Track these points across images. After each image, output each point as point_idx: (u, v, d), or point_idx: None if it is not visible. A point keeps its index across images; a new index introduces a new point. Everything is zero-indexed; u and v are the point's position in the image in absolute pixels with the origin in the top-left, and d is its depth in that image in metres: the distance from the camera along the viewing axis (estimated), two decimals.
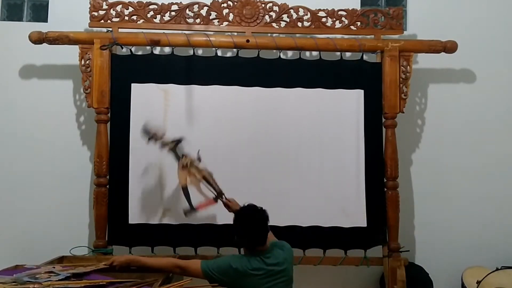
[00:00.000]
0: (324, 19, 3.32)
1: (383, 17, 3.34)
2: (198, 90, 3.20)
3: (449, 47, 3.30)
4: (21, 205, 3.40)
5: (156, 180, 3.14)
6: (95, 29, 3.29)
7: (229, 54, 3.37)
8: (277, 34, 3.40)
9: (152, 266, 2.40)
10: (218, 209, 3.12)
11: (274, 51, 3.29)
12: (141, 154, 3.15)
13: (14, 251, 3.23)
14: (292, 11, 3.31)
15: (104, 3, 3.22)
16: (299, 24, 3.32)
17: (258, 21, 3.29)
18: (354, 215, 3.18)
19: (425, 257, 3.52)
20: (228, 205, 2.79)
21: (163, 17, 3.26)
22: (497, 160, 3.60)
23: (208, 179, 2.89)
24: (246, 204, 2.45)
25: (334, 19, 3.32)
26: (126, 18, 3.24)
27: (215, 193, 2.87)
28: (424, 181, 3.58)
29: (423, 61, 3.51)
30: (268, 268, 2.30)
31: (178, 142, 2.96)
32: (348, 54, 3.39)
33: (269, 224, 2.39)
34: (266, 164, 3.21)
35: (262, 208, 2.40)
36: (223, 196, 2.85)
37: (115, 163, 3.13)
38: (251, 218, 2.36)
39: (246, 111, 3.23)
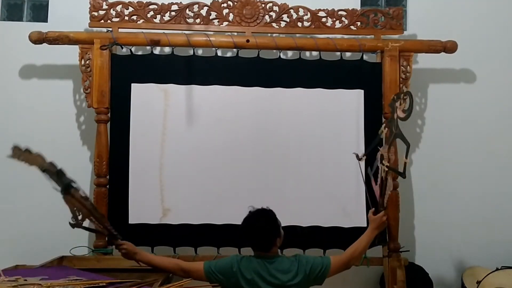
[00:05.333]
0: (324, 19, 3.32)
1: (383, 17, 3.34)
2: (198, 90, 3.20)
3: (449, 47, 3.30)
4: (21, 205, 3.40)
5: (156, 180, 3.14)
6: (95, 29, 3.29)
7: (229, 54, 3.37)
8: (277, 34, 3.40)
9: (156, 264, 2.39)
10: (218, 208, 3.14)
11: (274, 51, 3.29)
12: (141, 154, 3.15)
13: (14, 251, 3.23)
14: (292, 11, 3.31)
15: (104, 3, 3.22)
16: (299, 24, 3.32)
17: (258, 21, 3.29)
18: (354, 215, 3.17)
19: (425, 257, 3.52)
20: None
21: (163, 17, 3.26)
22: (497, 159, 3.60)
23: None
24: (253, 209, 2.41)
25: (334, 19, 3.32)
26: (126, 18, 3.24)
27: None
28: (424, 181, 3.58)
29: (423, 61, 3.51)
30: (269, 272, 2.27)
31: None
32: (348, 54, 3.39)
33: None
34: (266, 164, 3.21)
35: (271, 216, 2.37)
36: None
37: (115, 163, 3.13)
38: (253, 223, 2.35)
39: (246, 111, 3.23)
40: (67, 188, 2.26)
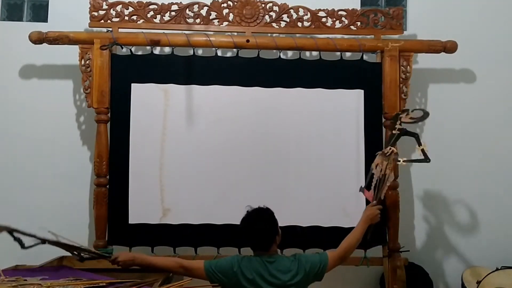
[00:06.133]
0: (324, 19, 3.32)
1: (383, 17, 3.34)
2: (198, 90, 3.20)
3: (449, 47, 3.30)
4: (21, 205, 3.40)
5: (156, 180, 3.14)
6: (95, 29, 3.29)
7: (229, 54, 3.37)
8: (277, 34, 3.40)
9: (156, 265, 2.39)
10: (218, 208, 3.14)
11: (274, 51, 3.29)
12: (141, 154, 3.15)
13: (14, 251, 3.22)
14: (292, 11, 3.31)
15: (104, 3, 3.22)
16: (299, 24, 3.32)
17: (258, 21, 3.29)
18: (354, 215, 3.14)
19: (425, 257, 3.52)
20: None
21: (163, 17, 3.26)
22: (497, 160, 3.59)
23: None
24: (250, 208, 2.42)
25: (334, 19, 3.32)
26: (126, 18, 3.24)
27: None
28: (424, 181, 3.58)
29: (423, 61, 3.51)
30: (270, 272, 2.27)
31: None
32: (348, 54, 3.38)
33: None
34: (266, 164, 3.21)
35: (269, 215, 2.37)
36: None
37: (115, 163, 3.13)
38: (252, 223, 2.35)
39: (246, 111, 3.23)
40: (41, 239, 2.28)
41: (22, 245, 2.17)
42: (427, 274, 3.40)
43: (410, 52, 3.28)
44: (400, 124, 2.86)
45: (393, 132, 2.89)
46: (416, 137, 2.82)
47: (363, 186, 2.93)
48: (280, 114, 3.24)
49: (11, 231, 2.19)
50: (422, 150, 2.75)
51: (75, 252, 2.37)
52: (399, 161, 2.79)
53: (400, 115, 2.91)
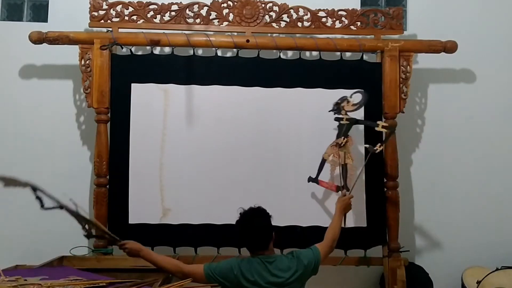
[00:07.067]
0: (324, 19, 3.33)
1: (383, 17, 3.34)
2: (198, 90, 3.21)
3: (449, 47, 3.30)
4: (21, 205, 3.39)
5: (156, 180, 3.14)
6: (95, 29, 3.30)
7: (229, 54, 3.37)
8: (277, 34, 3.40)
9: (158, 264, 2.38)
10: (218, 208, 3.14)
11: (274, 51, 3.29)
12: (141, 154, 3.15)
13: (14, 251, 3.23)
14: (292, 11, 3.32)
15: (104, 3, 3.22)
16: (299, 24, 3.32)
17: (258, 21, 3.29)
18: (354, 215, 3.17)
19: (425, 257, 3.52)
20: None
21: (163, 17, 3.26)
22: (497, 159, 3.60)
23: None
24: (244, 209, 2.42)
25: (334, 19, 3.33)
26: (126, 18, 3.24)
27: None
28: (424, 181, 3.58)
29: (423, 61, 3.51)
30: (271, 272, 2.27)
31: None
32: (348, 54, 3.39)
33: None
34: (266, 164, 3.21)
35: (264, 213, 2.38)
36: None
37: (115, 163, 3.14)
38: (249, 222, 2.35)
39: (246, 111, 3.23)
40: (60, 205, 2.29)
41: (42, 205, 2.21)
42: (427, 274, 3.40)
43: (410, 52, 3.29)
44: (345, 113, 3.03)
45: (341, 122, 3.03)
46: (368, 124, 3.04)
47: (313, 177, 3.10)
48: (280, 114, 3.24)
49: (34, 188, 2.23)
50: (383, 127, 2.94)
51: (86, 227, 2.35)
52: (376, 150, 2.91)
53: (342, 104, 3.07)
